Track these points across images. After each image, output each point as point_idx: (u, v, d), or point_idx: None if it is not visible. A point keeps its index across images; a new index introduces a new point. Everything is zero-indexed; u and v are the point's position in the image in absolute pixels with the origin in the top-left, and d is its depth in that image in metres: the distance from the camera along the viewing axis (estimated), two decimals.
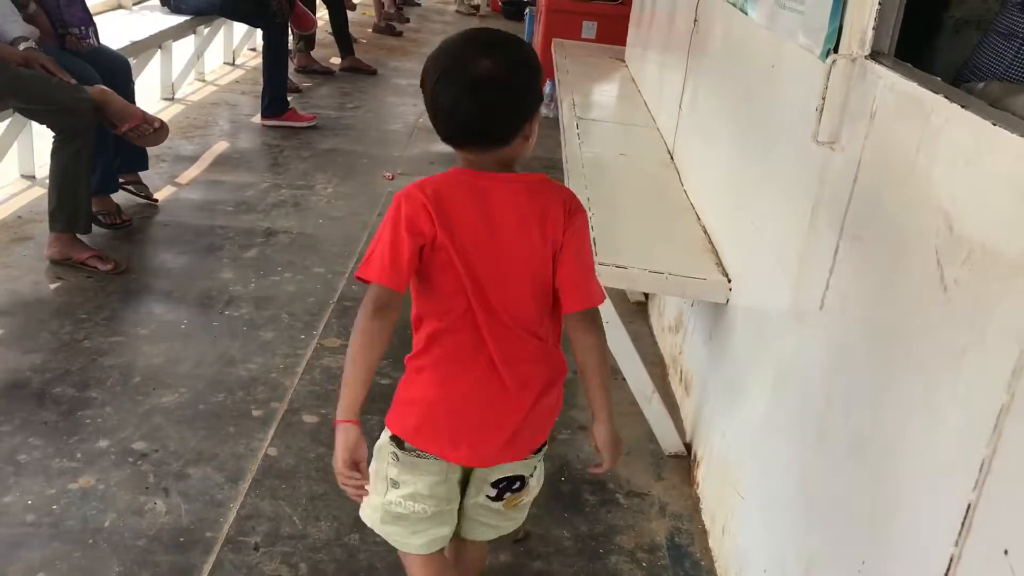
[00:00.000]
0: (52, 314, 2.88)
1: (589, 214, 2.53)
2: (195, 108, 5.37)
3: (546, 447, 1.59)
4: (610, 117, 4.08)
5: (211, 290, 3.13)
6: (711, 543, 2.14)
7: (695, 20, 3.13)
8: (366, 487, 1.43)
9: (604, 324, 2.27)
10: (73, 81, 3.14)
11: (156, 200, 3.85)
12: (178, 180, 4.17)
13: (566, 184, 2.86)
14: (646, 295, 3.29)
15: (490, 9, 10.18)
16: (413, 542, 1.55)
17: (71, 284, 3.08)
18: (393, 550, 1.63)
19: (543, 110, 1.42)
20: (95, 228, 3.33)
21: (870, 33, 1.54)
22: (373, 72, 6.70)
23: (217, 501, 2.13)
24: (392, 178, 4.44)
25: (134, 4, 5.45)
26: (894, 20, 1.53)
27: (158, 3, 5.36)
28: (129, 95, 3.59)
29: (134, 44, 4.47)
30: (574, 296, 1.42)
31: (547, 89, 5.28)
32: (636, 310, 3.29)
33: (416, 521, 1.52)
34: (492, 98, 1.32)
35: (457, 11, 10.26)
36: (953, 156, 1.22)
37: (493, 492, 1.54)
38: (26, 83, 3.04)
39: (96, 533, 2.00)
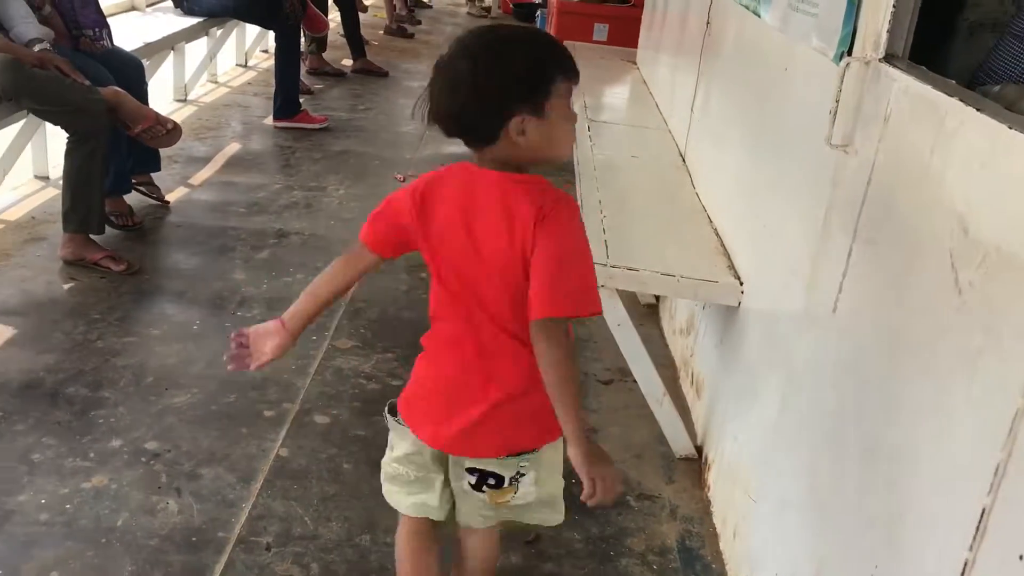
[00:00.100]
0: (65, 314, 2.90)
1: (600, 216, 2.56)
2: (207, 110, 5.40)
3: (532, 455, 1.53)
4: (622, 119, 4.08)
5: (223, 291, 3.15)
6: (722, 546, 2.14)
7: (707, 22, 3.13)
8: (245, 361, 1.60)
9: (616, 327, 2.31)
10: (87, 82, 3.16)
11: (167, 202, 3.86)
12: (191, 181, 4.19)
13: (577, 187, 2.87)
14: (657, 297, 3.29)
15: (501, 11, 10.19)
16: (402, 503, 1.63)
17: (84, 284, 3.10)
18: None
19: (549, 112, 1.37)
20: (108, 229, 3.35)
21: (884, 36, 1.54)
22: (384, 74, 6.71)
23: (229, 501, 2.13)
24: (403, 180, 4.45)
25: (147, 6, 5.47)
26: (908, 23, 1.52)
27: (171, 5, 5.38)
28: (142, 96, 3.60)
29: (147, 46, 4.48)
30: (533, 304, 1.35)
31: None
32: (647, 313, 3.28)
33: (404, 483, 1.61)
34: (463, 98, 1.34)
35: (468, 13, 10.28)
36: (968, 159, 1.22)
37: (472, 479, 1.55)
38: (41, 84, 3.06)
39: (109, 532, 2.01)
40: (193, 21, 5.19)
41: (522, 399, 1.47)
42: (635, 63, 5.02)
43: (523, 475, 1.55)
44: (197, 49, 5.59)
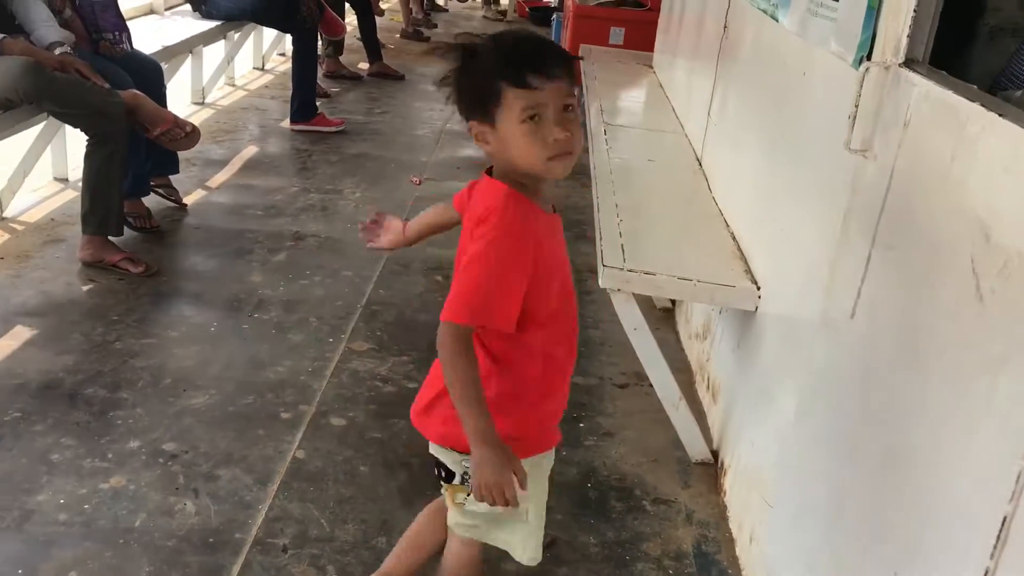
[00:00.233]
0: (84, 316, 2.92)
1: (616, 220, 2.56)
2: (225, 113, 5.42)
3: (446, 452, 1.53)
4: (638, 123, 4.08)
5: (240, 293, 3.16)
6: (738, 551, 2.13)
7: (725, 26, 3.12)
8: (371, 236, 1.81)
9: (633, 331, 2.31)
10: (107, 85, 3.18)
11: (185, 204, 3.88)
12: (208, 184, 4.21)
13: (593, 190, 2.87)
14: (673, 301, 3.28)
15: (517, 15, 10.20)
16: None
17: (103, 286, 3.12)
18: None
19: (500, 121, 1.38)
20: (126, 231, 3.37)
21: (904, 41, 1.53)
22: (401, 77, 6.73)
23: (246, 503, 2.14)
24: (419, 183, 4.46)
25: (166, 9, 5.51)
26: (929, 27, 1.52)
27: (189, 8, 5.41)
28: (161, 99, 3.63)
29: (165, 49, 4.52)
30: None
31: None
32: (663, 316, 3.28)
33: None
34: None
35: (484, 17, 10.29)
36: (990, 165, 1.21)
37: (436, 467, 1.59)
38: (61, 87, 3.08)
39: (127, 533, 2.02)
40: (211, 24, 5.22)
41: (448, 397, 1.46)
42: (651, 67, 5.02)
43: (467, 477, 1.51)
44: (215, 52, 5.63)
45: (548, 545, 2.08)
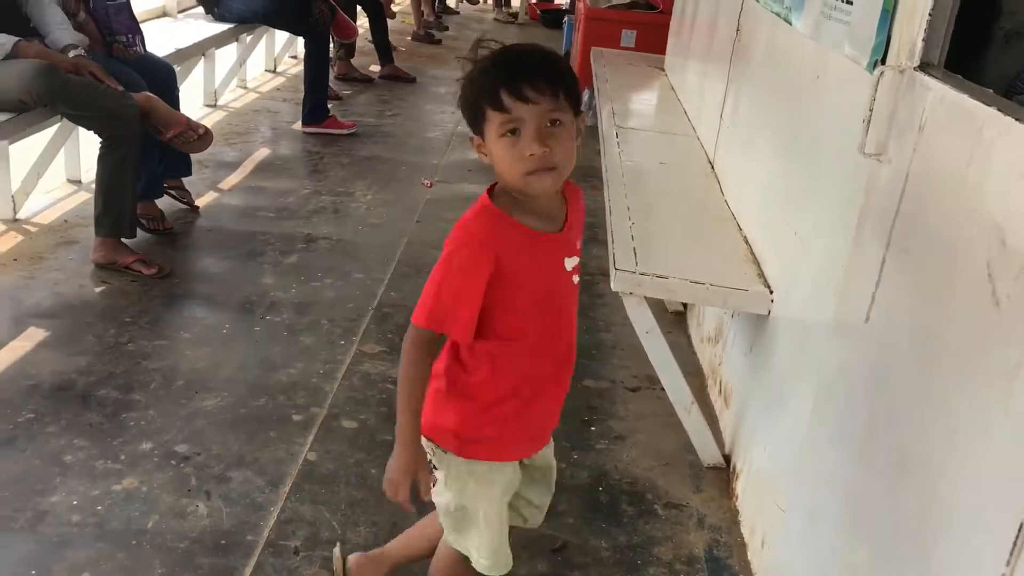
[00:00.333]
0: (97, 317, 2.93)
1: (628, 223, 2.56)
2: (237, 115, 5.44)
3: (439, 450, 1.53)
4: (650, 126, 4.07)
5: (252, 295, 3.17)
6: (750, 556, 2.12)
7: (737, 29, 3.11)
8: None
9: (644, 334, 2.30)
10: (120, 88, 3.20)
11: (198, 206, 3.90)
12: (220, 186, 4.23)
13: (605, 193, 2.87)
14: (685, 305, 3.27)
15: (528, 17, 10.21)
16: None
17: (115, 288, 3.13)
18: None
19: (488, 137, 1.38)
20: (139, 233, 3.38)
21: (919, 44, 1.52)
22: (412, 80, 6.74)
23: (258, 505, 2.15)
24: (431, 185, 4.46)
25: (179, 12, 5.53)
26: (944, 31, 1.51)
27: (202, 11, 5.44)
28: (174, 102, 3.64)
29: (178, 51, 4.53)
30: None
31: (585, 97, 5.28)
32: (675, 320, 3.27)
33: None
34: None
35: (496, 19, 10.31)
36: (1006, 169, 1.20)
37: None
38: (75, 90, 3.10)
39: (139, 534, 2.02)
40: (223, 27, 5.24)
41: (433, 380, 1.51)
42: (663, 69, 5.01)
43: (434, 467, 1.54)
44: (227, 55, 5.65)
45: (559, 549, 2.09)
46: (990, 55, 1.92)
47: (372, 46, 6.83)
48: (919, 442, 1.36)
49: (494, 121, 1.35)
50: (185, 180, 3.89)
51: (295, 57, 6.84)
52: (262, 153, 4.79)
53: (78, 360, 2.67)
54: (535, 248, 1.44)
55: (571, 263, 1.50)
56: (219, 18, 5.32)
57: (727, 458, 2.45)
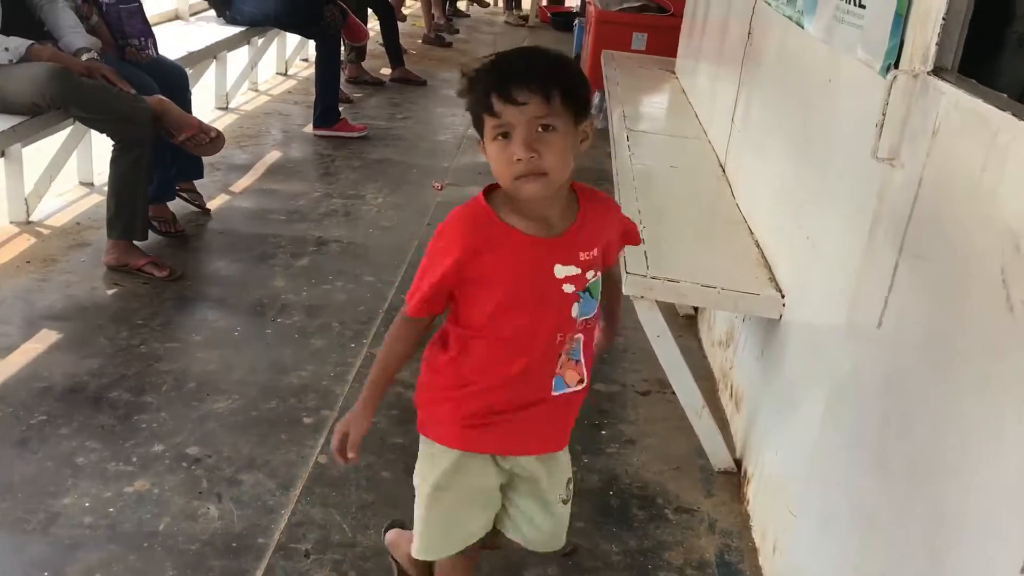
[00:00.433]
0: (109, 319, 2.94)
1: (640, 227, 2.54)
2: (248, 118, 5.46)
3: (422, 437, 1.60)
4: (660, 129, 4.07)
5: (264, 298, 3.18)
6: (761, 561, 2.12)
7: (749, 33, 3.11)
8: None
9: (656, 338, 2.30)
10: (133, 91, 3.21)
11: (209, 209, 3.91)
12: (232, 189, 4.24)
13: (616, 196, 2.87)
14: (696, 308, 3.27)
15: (539, 20, 10.21)
16: None
17: (127, 290, 3.14)
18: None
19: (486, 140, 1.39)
20: (151, 235, 3.40)
21: (933, 48, 1.52)
22: (423, 83, 6.75)
23: (269, 507, 2.15)
24: (441, 188, 4.47)
25: (191, 15, 5.55)
26: (958, 35, 1.50)
27: (214, 14, 5.45)
28: (186, 105, 3.65)
29: (190, 55, 4.55)
30: None
31: (595, 100, 5.28)
32: (685, 324, 3.27)
33: None
34: None
35: (506, 22, 10.31)
36: (1021, 174, 1.20)
37: None
38: (88, 93, 3.11)
39: (151, 537, 2.03)
40: (235, 30, 5.26)
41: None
42: (674, 72, 5.01)
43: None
44: (239, 58, 5.67)
45: (569, 553, 2.08)
46: (1004, 59, 1.90)
47: (383, 49, 6.84)
48: (932, 448, 1.35)
49: (488, 123, 1.36)
50: (197, 183, 3.90)
51: (306, 60, 6.86)
52: (273, 156, 4.80)
53: (90, 362, 2.68)
54: (516, 250, 1.42)
55: (565, 271, 1.44)
56: (231, 21, 5.34)
57: (738, 462, 2.44)
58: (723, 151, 3.32)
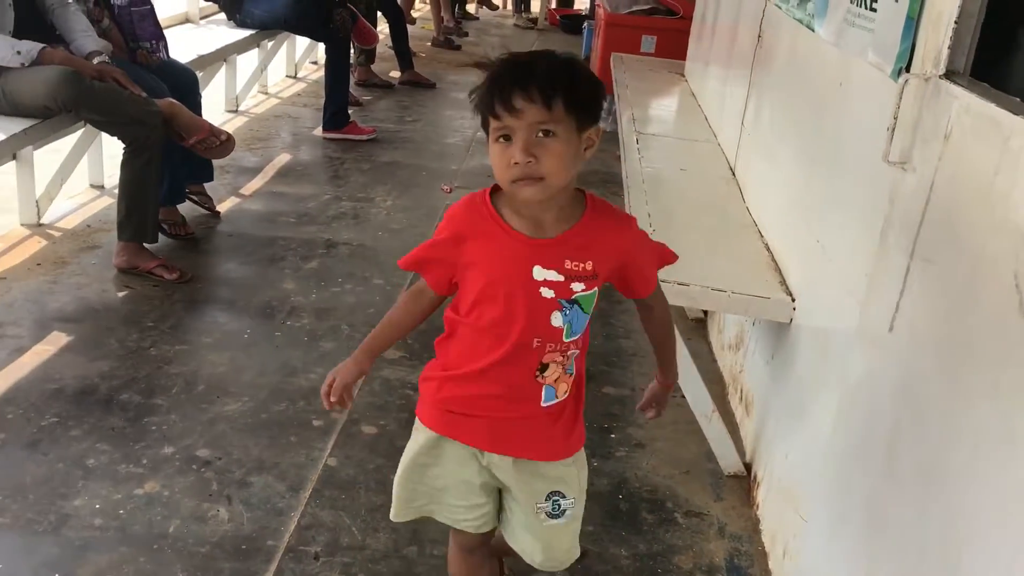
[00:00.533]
0: (119, 321, 2.95)
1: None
2: (258, 121, 5.47)
3: None
4: (670, 132, 4.06)
5: (273, 300, 3.18)
6: (771, 565, 2.11)
7: (759, 36, 3.11)
8: None
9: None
10: (144, 94, 3.22)
11: (218, 212, 3.92)
12: (241, 191, 4.25)
13: (625, 199, 2.87)
14: (705, 312, 3.26)
15: (548, 23, 10.21)
16: None
17: (138, 292, 3.15)
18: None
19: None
20: (161, 238, 3.41)
21: (945, 52, 1.51)
22: (432, 86, 6.76)
23: (278, 510, 2.15)
24: (450, 191, 4.47)
25: (201, 18, 5.57)
26: (971, 39, 1.50)
27: (224, 17, 5.47)
28: (196, 108, 3.66)
29: (201, 58, 4.56)
30: None
31: (605, 103, 5.27)
32: (695, 327, 3.26)
33: None
34: None
35: (515, 25, 10.32)
36: None
37: None
38: (99, 96, 3.12)
39: (161, 538, 2.03)
40: (245, 33, 5.27)
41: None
42: (683, 75, 5.00)
43: None
44: (248, 61, 5.68)
45: (579, 557, 2.07)
46: (1017, 63, 1.90)
47: (392, 52, 6.86)
48: (944, 452, 1.34)
49: (491, 125, 1.38)
50: (206, 185, 3.91)
51: (316, 63, 6.88)
52: (283, 158, 4.81)
53: (101, 364, 2.68)
54: (503, 244, 1.44)
55: (545, 275, 1.43)
56: (241, 24, 5.36)
57: (748, 466, 2.44)
58: (733, 154, 3.32)
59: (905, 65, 1.63)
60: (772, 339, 2.37)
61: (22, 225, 3.60)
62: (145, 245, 3.27)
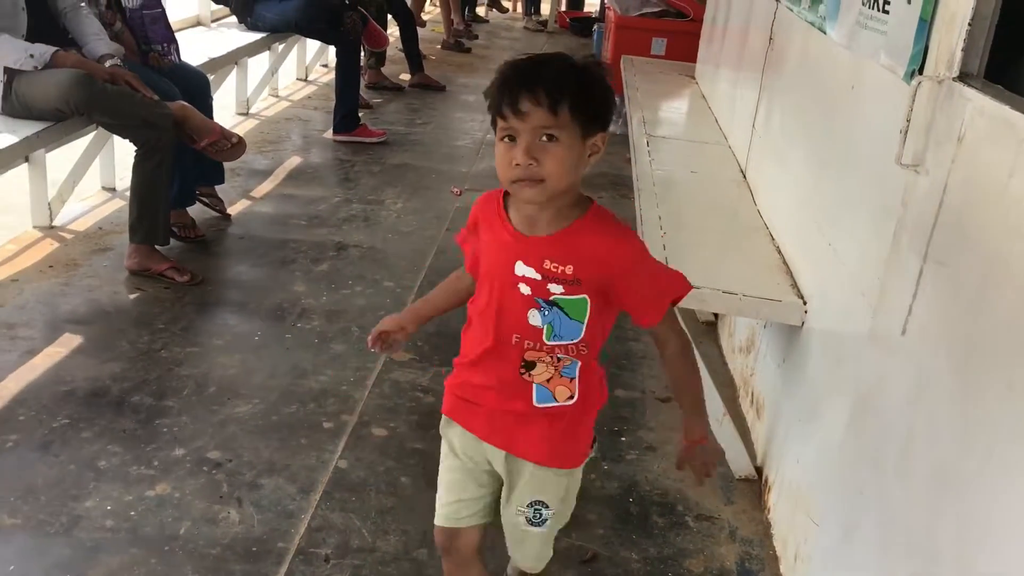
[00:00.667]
0: (131, 324, 2.96)
1: (660, 232, 2.55)
2: (269, 123, 5.49)
3: None
4: (680, 134, 4.05)
5: (284, 302, 3.19)
6: (783, 569, 2.10)
7: (770, 38, 3.10)
8: None
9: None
10: (155, 97, 3.23)
11: (229, 214, 3.93)
12: (252, 194, 4.26)
13: (636, 202, 2.87)
14: (716, 315, 3.25)
15: (557, 26, 10.21)
16: None
17: (149, 295, 3.16)
18: None
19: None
20: (172, 240, 3.42)
21: (958, 54, 1.51)
22: (442, 88, 6.77)
23: (289, 512, 2.15)
24: (460, 193, 4.47)
25: (212, 21, 5.59)
26: (984, 41, 1.49)
27: (235, 21, 5.49)
28: (207, 110, 3.68)
29: (212, 60, 4.58)
30: None
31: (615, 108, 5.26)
32: (706, 330, 3.25)
33: None
34: None
35: (525, 28, 10.33)
36: None
37: None
38: (111, 98, 3.13)
39: (172, 540, 2.04)
40: (256, 36, 5.29)
41: None
42: (694, 78, 4.99)
43: None
44: (259, 64, 5.70)
45: (589, 560, 2.08)
46: None
47: (402, 55, 6.87)
48: (957, 457, 1.34)
49: (498, 124, 1.40)
50: (217, 188, 3.92)
51: (326, 66, 6.89)
52: (293, 161, 4.82)
53: (112, 366, 2.69)
54: (499, 237, 1.49)
55: (524, 271, 1.44)
56: (252, 27, 5.37)
57: (759, 470, 2.43)
58: (744, 157, 3.31)
59: (918, 67, 1.62)
60: (783, 342, 2.36)
61: (34, 227, 3.61)
62: (157, 247, 3.28)
